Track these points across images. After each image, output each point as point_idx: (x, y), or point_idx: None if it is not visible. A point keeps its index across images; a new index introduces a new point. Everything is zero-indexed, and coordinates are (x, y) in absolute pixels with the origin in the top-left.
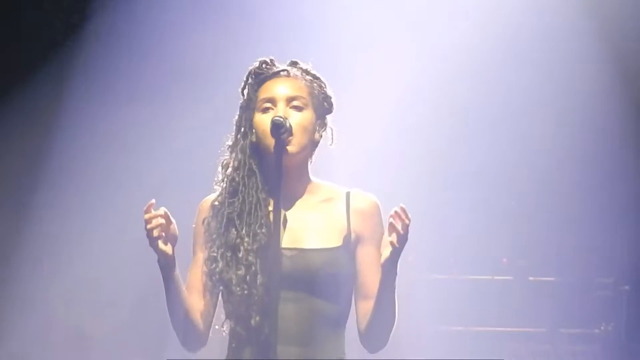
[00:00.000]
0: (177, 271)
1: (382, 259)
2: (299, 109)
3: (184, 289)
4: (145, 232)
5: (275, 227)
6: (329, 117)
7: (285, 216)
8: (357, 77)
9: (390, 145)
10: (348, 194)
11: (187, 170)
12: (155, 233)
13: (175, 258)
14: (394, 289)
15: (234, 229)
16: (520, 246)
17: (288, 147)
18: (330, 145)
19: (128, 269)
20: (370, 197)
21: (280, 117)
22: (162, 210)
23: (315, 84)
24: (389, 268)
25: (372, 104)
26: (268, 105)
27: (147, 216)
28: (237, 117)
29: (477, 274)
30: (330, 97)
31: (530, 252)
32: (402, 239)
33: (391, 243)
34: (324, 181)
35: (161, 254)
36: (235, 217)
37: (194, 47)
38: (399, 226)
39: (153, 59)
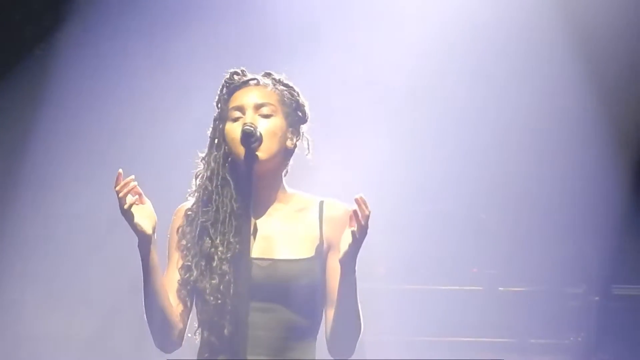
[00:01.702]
0: (157, 260)
1: (341, 253)
2: (267, 116)
3: (162, 283)
4: (119, 210)
5: (245, 237)
6: (304, 127)
7: (255, 225)
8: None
9: (364, 154)
10: (322, 203)
11: (167, 178)
12: (128, 201)
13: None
14: (355, 291)
15: (208, 238)
16: (490, 256)
17: (258, 153)
18: (307, 155)
19: (107, 272)
20: (343, 206)
21: (251, 126)
22: (131, 178)
23: (285, 92)
24: (348, 263)
25: (344, 115)
26: (237, 114)
27: (117, 187)
28: (210, 129)
29: (447, 284)
30: (303, 106)
31: (500, 262)
32: (362, 230)
33: (352, 233)
34: (299, 191)
35: (140, 232)
36: (209, 226)
37: (174, 50)
38: (359, 216)
39: (130, 61)
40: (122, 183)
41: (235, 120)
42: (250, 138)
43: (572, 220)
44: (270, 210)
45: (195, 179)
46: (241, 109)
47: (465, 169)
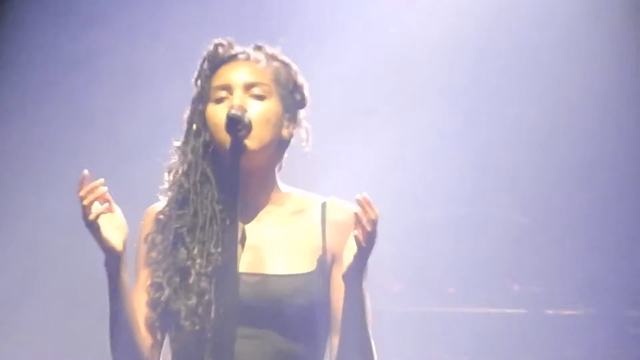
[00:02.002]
0: (128, 281)
1: (344, 267)
2: (260, 97)
3: (133, 308)
4: (83, 220)
5: (229, 246)
6: (302, 112)
7: (243, 232)
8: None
9: (374, 147)
10: (324, 205)
11: (127, 177)
12: (95, 211)
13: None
14: (364, 313)
15: (183, 248)
16: (534, 271)
17: (246, 142)
18: (305, 146)
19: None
20: (351, 207)
21: (239, 109)
22: (100, 181)
23: (282, 70)
24: (353, 278)
25: (351, 104)
26: (222, 94)
27: (82, 193)
28: (188, 112)
29: (479, 306)
30: (302, 87)
31: (547, 278)
32: (368, 238)
33: (356, 240)
34: (296, 190)
35: (108, 248)
36: (185, 233)
37: (135, 36)
38: (363, 220)
39: (86, 53)
40: (87, 187)
41: (220, 101)
42: (237, 124)
43: (637, 229)
44: (260, 213)
45: (169, 174)
46: (227, 87)
47: (500, 163)
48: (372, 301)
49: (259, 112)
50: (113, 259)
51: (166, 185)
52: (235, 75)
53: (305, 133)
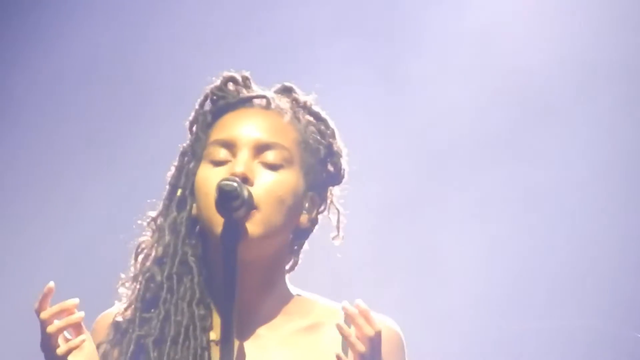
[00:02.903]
0: None
1: None
2: (273, 166)
3: None
4: (43, 347)
5: None
6: (332, 191)
7: (240, 352)
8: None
9: (421, 231)
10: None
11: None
12: (64, 345)
13: None
14: None
15: None
16: None
17: (248, 225)
18: (334, 239)
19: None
20: (385, 325)
21: (234, 181)
22: (74, 302)
23: (312, 128)
24: None
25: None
26: (222, 153)
27: (45, 314)
28: (173, 169)
29: None
30: (339, 156)
31: None
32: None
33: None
34: (309, 294)
35: None
36: (151, 346)
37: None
38: (352, 337)
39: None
40: (55, 309)
41: (217, 163)
42: (230, 200)
43: None
44: (263, 327)
45: (135, 260)
46: (230, 145)
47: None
48: None
49: (269, 187)
50: None
51: (130, 275)
52: (243, 129)
53: (337, 219)
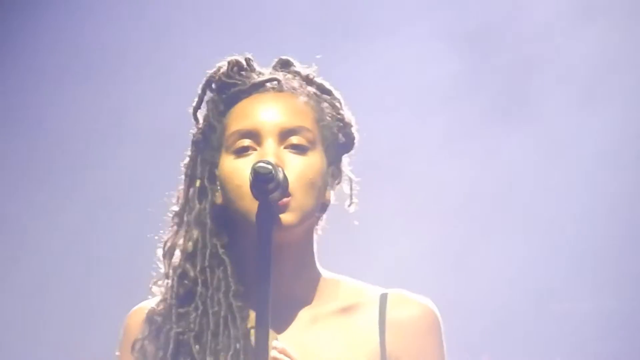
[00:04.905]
0: None
1: None
2: (301, 149)
3: None
4: None
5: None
6: (345, 158)
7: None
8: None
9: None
10: (384, 298)
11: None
12: None
13: None
14: None
15: None
16: None
17: (282, 217)
18: (349, 206)
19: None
20: (421, 303)
21: (268, 163)
22: None
23: (325, 104)
24: None
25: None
26: (245, 142)
27: None
28: (187, 161)
29: None
30: (350, 125)
31: None
32: None
33: None
34: (343, 277)
35: None
36: (192, 341)
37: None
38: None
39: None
40: None
41: (241, 153)
42: (266, 182)
43: None
44: (299, 312)
45: (164, 257)
46: (254, 135)
47: None
48: None
49: (300, 172)
50: None
51: (161, 273)
52: (265, 116)
53: (350, 186)
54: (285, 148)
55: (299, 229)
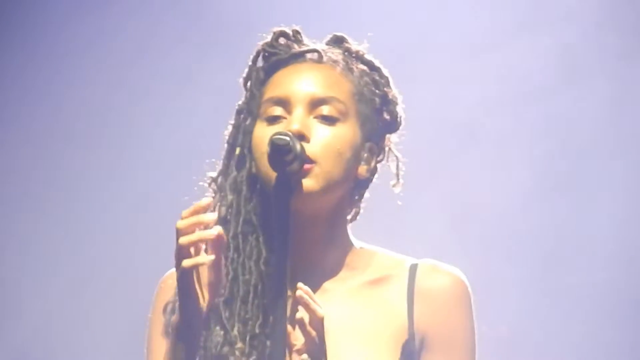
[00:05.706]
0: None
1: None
2: (330, 120)
3: None
4: (176, 257)
5: (283, 327)
6: (391, 138)
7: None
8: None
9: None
10: (414, 268)
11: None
12: (192, 259)
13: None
14: None
15: (218, 327)
16: None
17: (305, 181)
18: (394, 186)
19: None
20: (452, 273)
21: (285, 135)
22: (203, 203)
23: (366, 79)
24: None
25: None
26: (277, 110)
27: (179, 223)
28: (230, 128)
29: None
30: (395, 103)
31: None
32: (310, 346)
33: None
34: (376, 248)
35: (189, 307)
36: (222, 307)
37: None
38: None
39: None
40: (191, 221)
41: (272, 120)
42: (283, 154)
43: None
44: (328, 281)
45: None
46: (285, 102)
47: None
48: None
49: (327, 142)
50: (193, 319)
51: None
52: (297, 85)
53: (397, 166)
54: (315, 118)
55: (323, 198)
